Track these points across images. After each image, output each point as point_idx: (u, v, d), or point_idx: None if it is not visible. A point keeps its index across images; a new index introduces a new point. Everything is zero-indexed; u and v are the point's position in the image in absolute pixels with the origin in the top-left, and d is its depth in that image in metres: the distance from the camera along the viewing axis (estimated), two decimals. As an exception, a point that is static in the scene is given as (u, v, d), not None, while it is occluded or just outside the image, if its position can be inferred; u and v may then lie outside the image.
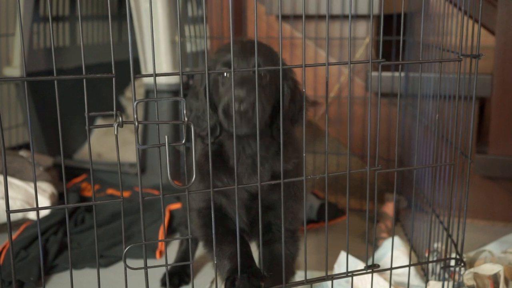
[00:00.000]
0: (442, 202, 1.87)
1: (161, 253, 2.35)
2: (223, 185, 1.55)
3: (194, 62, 3.02)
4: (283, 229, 1.46)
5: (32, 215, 2.57)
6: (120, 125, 1.17)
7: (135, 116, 1.19)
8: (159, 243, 2.36)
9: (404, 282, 1.90)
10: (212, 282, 2.05)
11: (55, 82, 1.21)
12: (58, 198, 2.78)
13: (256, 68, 1.33)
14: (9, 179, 2.63)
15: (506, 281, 1.72)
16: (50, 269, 2.21)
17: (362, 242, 2.39)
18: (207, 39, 2.79)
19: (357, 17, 2.73)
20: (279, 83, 1.46)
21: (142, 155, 2.98)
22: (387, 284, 1.80)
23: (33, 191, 2.61)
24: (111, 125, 1.18)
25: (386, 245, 2.09)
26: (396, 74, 2.65)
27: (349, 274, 1.52)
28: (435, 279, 1.88)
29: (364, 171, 1.45)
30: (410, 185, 2.43)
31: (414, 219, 2.22)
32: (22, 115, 3.42)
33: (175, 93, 2.88)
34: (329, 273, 1.55)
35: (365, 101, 2.80)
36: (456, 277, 1.82)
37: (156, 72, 1.23)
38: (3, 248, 2.25)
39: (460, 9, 1.63)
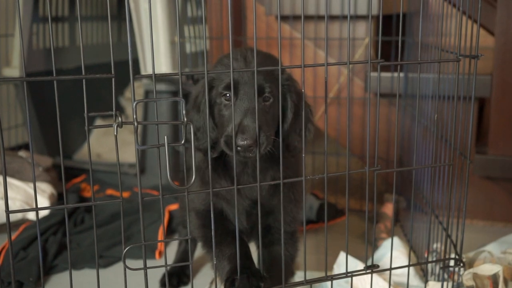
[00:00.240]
0: (441, 203, 1.87)
1: (160, 253, 2.35)
2: (223, 189, 1.54)
3: (194, 62, 3.02)
4: (282, 231, 1.46)
5: (31, 216, 2.57)
6: (120, 125, 1.17)
7: (134, 117, 1.19)
8: (159, 244, 2.36)
9: (404, 282, 1.91)
10: (211, 283, 2.05)
11: (55, 82, 1.21)
12: (58, 199, 2.78)
13: (255, 68, 1.33)
14: (9, 179, 2.63)
15: (506, 282, 1.72)
16: (49, 270, 2.21)
17: (361, 243, 2.39)
18: (206, 40, 2.79)
19: (356, 17, 2.73)
20: (282, 99, 1.43)
21: (142, 156, 2.98)
22: (386, 285, 1.80)
23: (32, 192, 2.61)
24: (111, 126, 1.18)
25: (385, 245, 2.09)
26: (396, 74, 2.65)
27: (348, 274, 1.52)
28: (434, 280, 1.88)
29: (363, 172, 1.45)
30: (409, 186, 2.43)
31: (414, 219, 2.22)
32: (22, 116, 3.42)
33: (175, 93, 2.89)
34: (328, 274, 1.55)
35: (365, 102, 2.81)
36: (456, 277, 1.82)
37: (156, 73, 1.23)
38: (2, 249, 2.25)
39: (459, 9, 1.63)
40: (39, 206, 2.56)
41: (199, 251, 2.14)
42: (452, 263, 1.66)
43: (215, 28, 2.98)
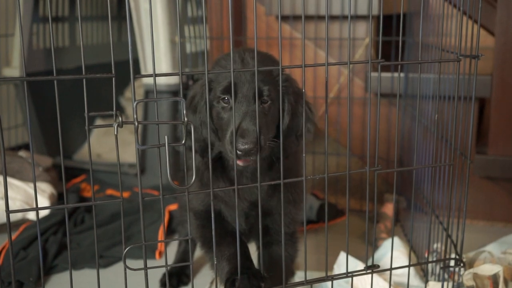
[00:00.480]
0: (441, 203, 1.87)
1: (160, 253, 2.35)
2: (222, 191, 1.54)
3: (194, 62, 3.02)
4: (283, 231, 1.46)
5: (31, 216, 2.57)
6: (120, 125, 1.17)
7: (134, 116, 1.19)
8: (159, 244, 2.36)
9: (404, 282, 1.91)
10: (211, 283, 2.05)
11: (55, 82, 1.21)
12: (58, 199, 2.78)
13: (256, 68, 1.33)
14: (9, 179, 2.63)
15: (506, 282, 1.72)
16: (49, 270, 2.21)
17: (361, 243, 2.39)
18: (206, 40, 2.79)
19: (356, 17, 2.73)
20: (281, 102, 1.43)
21: (142, 156, 2.98)
22: (386, 285, 1.80)
23: (32, 192, 2.61)
24: (111, 125, 1.18)
25: (385, 245, 2.09)
26: (396, 74, 2.65)
27: (349, 274, 1.52)
28: (434, 280, 1.88)
29: (363, 172, 1.45)
30: (409, 186, 2.43)
31: (414, 219, 2.22)
32: (22, 116, 3.42)
33: (175, 93, 2.88)
34: (329, 274, 1.55)
35: (365, 102, 2.81)
36: (456, 277, 1.82)
37: (156, 73, 1.23)
38: (2, 248, 2.25)
39: (459, 9, 1.63)
40: (39, 206, 2.56)
41: (199, 251, 2.14)
42: (452, 263, 1.66)
43: (215, 28, 2.98)
